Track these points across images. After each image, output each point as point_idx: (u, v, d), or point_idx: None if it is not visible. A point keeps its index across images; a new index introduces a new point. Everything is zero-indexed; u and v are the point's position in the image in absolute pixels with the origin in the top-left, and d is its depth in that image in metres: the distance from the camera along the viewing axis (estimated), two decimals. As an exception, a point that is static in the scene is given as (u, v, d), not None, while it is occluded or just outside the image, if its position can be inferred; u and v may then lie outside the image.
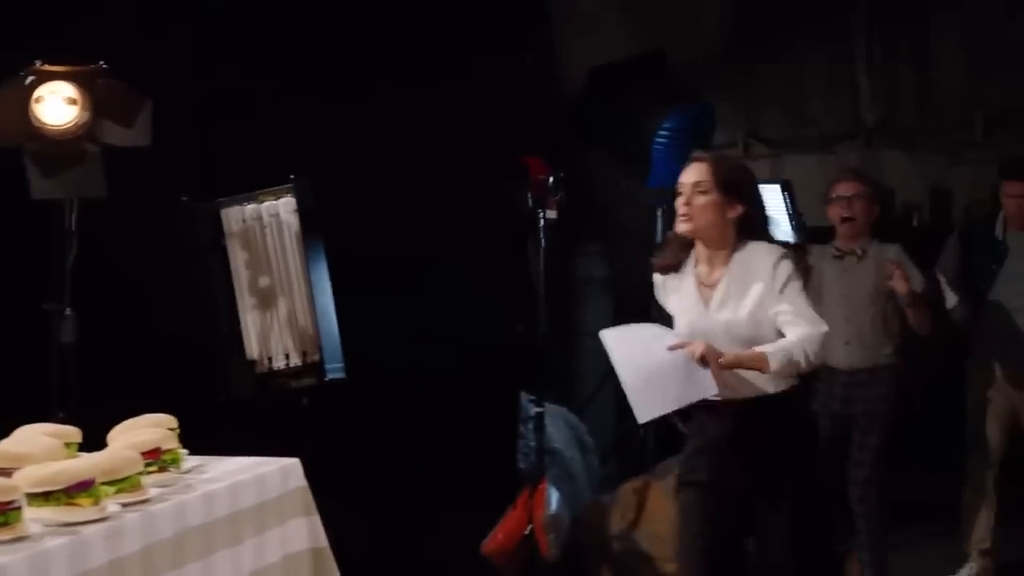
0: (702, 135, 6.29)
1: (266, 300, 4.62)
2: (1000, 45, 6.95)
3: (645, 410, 3.60)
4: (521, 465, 5.87)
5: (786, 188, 5.57)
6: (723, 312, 3.66)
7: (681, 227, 3.73)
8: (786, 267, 3.61)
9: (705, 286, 3.73)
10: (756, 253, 3.67)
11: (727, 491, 3.72)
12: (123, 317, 4.89)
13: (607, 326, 6.68)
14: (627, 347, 3.69)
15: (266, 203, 4.57)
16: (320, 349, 4.58)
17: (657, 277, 3.88)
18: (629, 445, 6.40)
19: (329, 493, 3.63)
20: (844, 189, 5.08)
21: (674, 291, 3.81)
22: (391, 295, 5.43)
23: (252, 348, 4.65)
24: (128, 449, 2.82)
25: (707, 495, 3.74)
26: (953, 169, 7.37)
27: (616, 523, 5.44)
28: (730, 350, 3.58)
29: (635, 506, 5.38)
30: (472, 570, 5.26)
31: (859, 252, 5.07)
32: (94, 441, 2.98)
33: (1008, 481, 5.46)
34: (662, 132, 6.17)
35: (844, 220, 5.06)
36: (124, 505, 2.68)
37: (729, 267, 3.69)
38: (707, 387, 3.53)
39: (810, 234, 5.69)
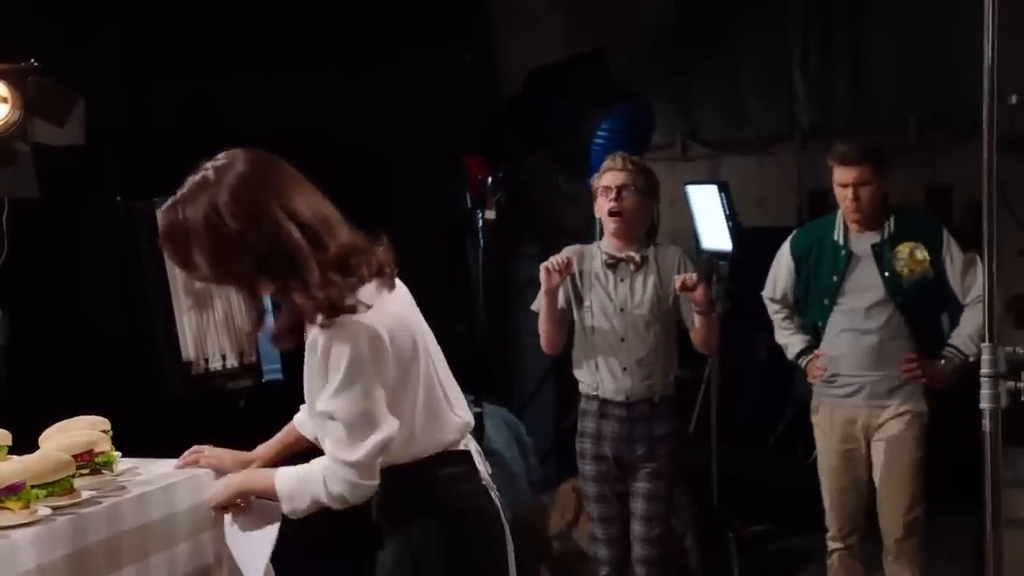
0: (640, 136, 6.33)
1: (202, 301, 4.58)
2: (933, 48, 7.03)
3: None
4: (460, 465, 5.85)
5: (723, 189, 5.61)
6: None
7: None
8: None
9: None
10: None
11: None
12: (56, 318, 4.83)
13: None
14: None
15: (202, 203, 4.51)
16: (257, 350, 4.55)
17: None
18: (568, 445, 6.42)
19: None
20: (611, 179, 4.27)
21: None
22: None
23: (188, 349, 4.60)
24: (60, 451, 2.78)
25: None
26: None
27: (555, 523, 5.45)
28: None
29: (574, 505, 5.40)
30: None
31: (636, 259, 4.27)
32: (25, 444, 2.93)
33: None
34: (600, 132, 6.19)
35: (612, 215, 4.24)
36: (55, 508, 2.65)
37: None
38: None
39: (746, 235, 5.74)
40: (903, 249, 4.43)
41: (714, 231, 5.73)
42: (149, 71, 5.30)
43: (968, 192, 6.75)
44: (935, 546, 5.37)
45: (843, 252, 4.51)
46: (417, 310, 2.83)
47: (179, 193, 2.62)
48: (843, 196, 4.43)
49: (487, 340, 5.83)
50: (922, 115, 7.18)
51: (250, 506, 2.85)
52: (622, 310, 4.26)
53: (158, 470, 3.05)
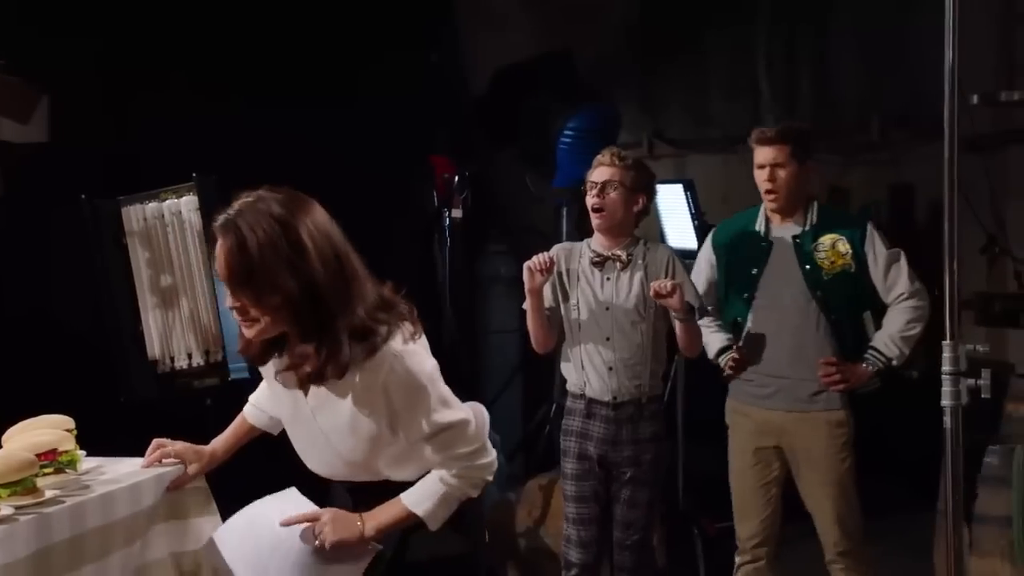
0: (607, 135, 6.33)
1: (168, 299, 4.55)
2: (896, 48, 7.08)
3: None
4: (427, 463, 5.85)
5: (688, 188, 5.62)
6: None
7: None
8: None
9: None
10: None
11: None
12: (20, 316, 4.79)
13: (513, 323, 6.72)
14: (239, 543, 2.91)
15: (168, 201, 4.49)
16: (223, 348, 4.52)
17: None
18: (535, 442, 6.42)
19: (231, 495, 3.59)
20: (598, 175, 4.24)
21: None
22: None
23: (154, 348, 4.57)
24: (23, 451, 2.76)
25: None
26: (850, 169, 7.49)
27: (523, 520, 5.45)
28: None
29: (541, 503, 5.40)
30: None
31: (622, 257, 4.23)
32: (-12, 443, 2.91)
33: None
34: (567, 132, 6.20)
35: (594, 211, 4.22)
36: (18, 508, 2.63)
37: None
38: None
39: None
40: (825, 240, 4.21)
41: (680, 230, 5.75)
42: (119, 70, 5.26)
43: (931, 191, 6.79)
44: (897, 542, 5.41)
45: (763, 243, 4.28)
46: None
47: (236, 208, 2.66)
48: (760, 178, 4.22)
49: (454, 338, 5.82)
50: (885, 115, 7.22)
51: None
52: (608, 309, 4.21)
53: (123, 469, 3.04)
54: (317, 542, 2.76)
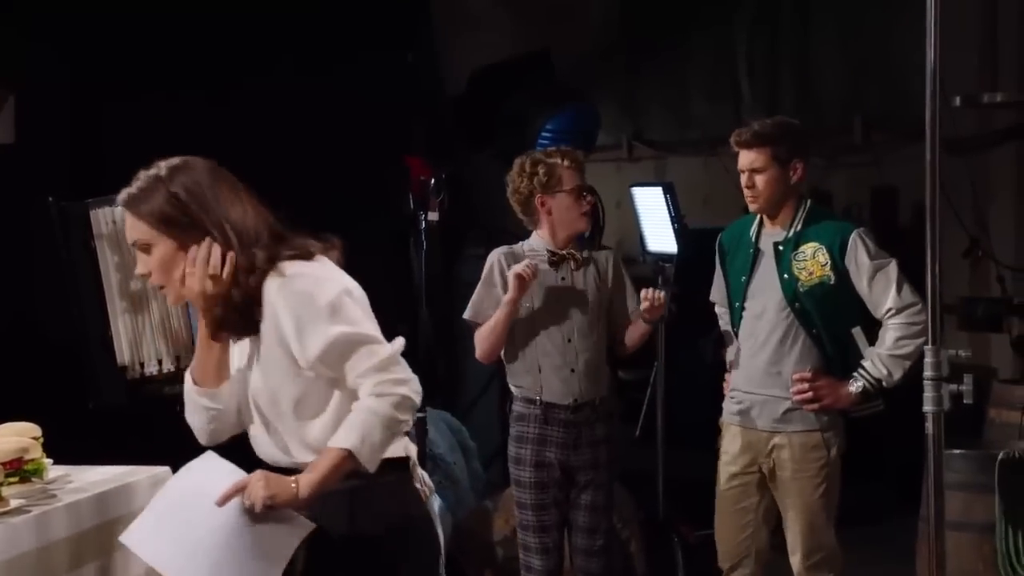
0: (586, 136, 6.34)
1: (138, 304, 4.51)
2: (878, 50, 7.11)
3: None
4: (403, 471, 5.83)
5: (668, 191, 5.61)
6: None
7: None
8: None
9: None
10: None
11: None
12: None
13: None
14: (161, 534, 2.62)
15: (137, 204, 4.47)
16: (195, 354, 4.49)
17: None
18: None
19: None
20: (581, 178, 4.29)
21: None
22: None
23: (123, 353, 4.53)
24: (-12, 459, 2.74)
25: None
26: (832, 172, 7.53)
27: (500, 528, 5.44)
28: None
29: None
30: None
31: (576, 256, 4.25)
32: (-48, 451, 2.88)
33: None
34: (545, 133, 6.20)
35: (584, 215, 4.27)
36: (-17, 518, 2.61)
37: None
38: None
39: (692, 237, 5.75)
40: (807, 249, 4.00)
41: (660, 233, 5.74)
42: (88, 70, 5.24)
43: (913, 194, 6.84)
44: (883, 548, 5.43)
45: (751, 250, 4.12)
46: None
47: (133, 186, 2.70)
48: (742, 183, 4.06)
49: (430, 343, 5.81)
50: (868, 117, 7.26)
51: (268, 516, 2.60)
52: (567, 309, 4.22)
53: (90, 478, 3.02)
54: (247, 502, 2.55)
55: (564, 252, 4.24)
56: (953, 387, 2.78)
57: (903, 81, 6.40)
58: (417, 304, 5.53)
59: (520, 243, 4.33)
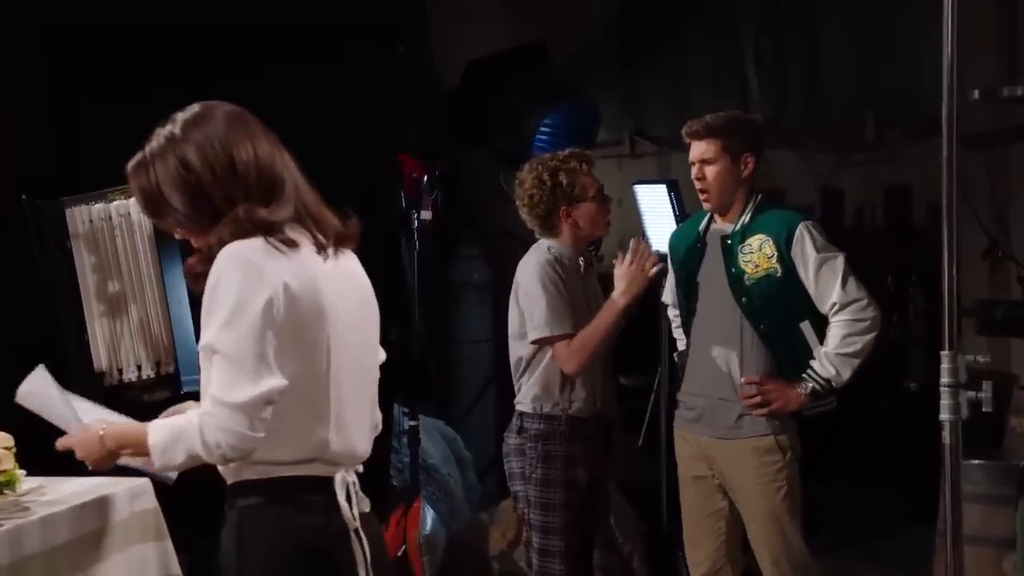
0: (585, 132, 6.33)
1: (116, 307, 4.51)
2: (891, 41, 7.10)
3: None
4: (394, 482, 5.84)
5: (672, 188, 5.61)
6: None
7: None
8: None
9: None
10: None
11: None
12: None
13: (486, 332, 6.71)
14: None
15: (116, 202, 4.45)
16: (175, 360, 4.48)
17: None
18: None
19: (183, 517, 3.56)
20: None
21: None
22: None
23: (100, 359, 4.53)
24: (-42, 470, 2.73)
25: None
26: (843, 170, 7.52)
27: (496, 542, 5.44)
28: None
29: (516, 524, 5.38)
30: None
31: (593, 259, 4.43)
32: (-80, 462, 2.87)
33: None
34: (543, 129, 6.19)
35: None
36: (-48, 532, 2.60)
37: None
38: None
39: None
40: (753, 242, 4.01)
41: (663, 232, 5.73)
42: (64, 64, 5.23)
43: (929, 192, 6.82)
44: (891, 562, 5.43)
45: (699, 244, 4.16)
46: (363, 308, 2.78)
47: (146, 148, 2.67)
48: (692, 175, 4.11)
49: (423, 348, 5.80)
50: (881, 112, 7.25)
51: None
52: (590, 318, 4.21)
53: (66, 490, 3.01)
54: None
55: (587, 255, 4.33)
56: (971, 394, 2.77)
57: (918, 74, 6.39)
58: (409, 307, 5.53)
59: (547, 247, 4.27)
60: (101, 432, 2.65)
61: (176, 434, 2.50)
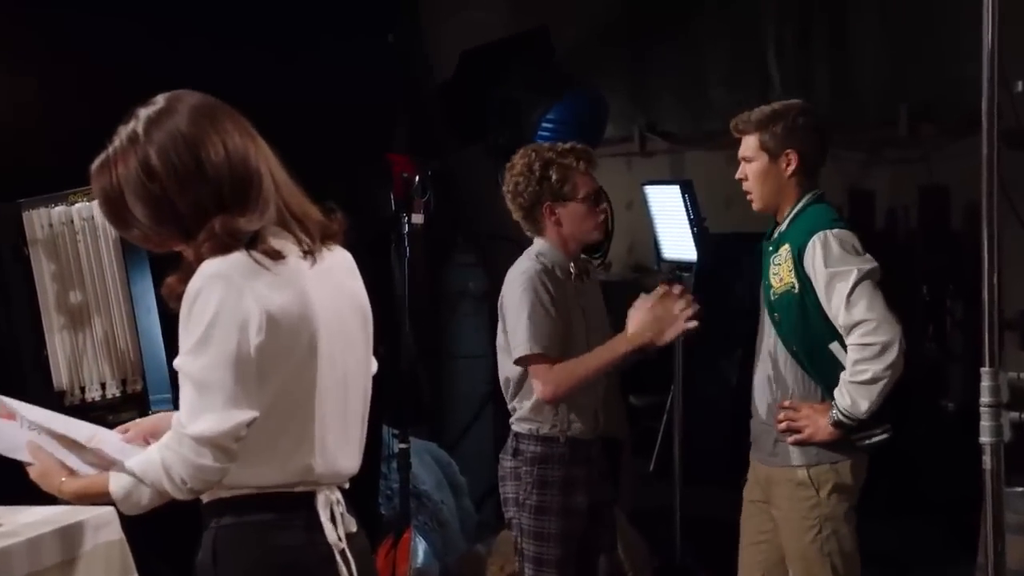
0: (591, 127, 6.34)
1: (78, 319, 4.51)
2: (926, 27, 7.11)
3: None
4: (383, 510, 5.83)
5: (687, 189, 5.61)
6: None
7: None
8: None
9: None
10: None
11: None
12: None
13: (483, 346, 6.70)
14: None
15: (78, 204, 4.46)
16: (143, 377, 4.49)
17: None
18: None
19: (152, 547, 3.55)
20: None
21: None
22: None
23: (61, 376, 4.53)
24: (-97, 498, 2.72)
25: None
26: (873, 169, 7.52)
27: (494, 575, 5.43)
28: None
29: (515, 555, 5.38)
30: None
31: (589, 266, 4.43)
32: None
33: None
34: (545, 124, 6.20)
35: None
36: (-103, 566, 2.59)
37: None
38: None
39: (714, 243, 5.75)
40: (782, 251, 3.96)
41: (677, 238, 5.74)
42: (23, 58, 5.24)
43: (967, 192, 6.83)
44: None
45: (759, 251, 4.17)
46: (354, 316, 2.79)
47: (109, 148, 2.64)
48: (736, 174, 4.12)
49: (414, 363, 5.80)
50: (914, 106, 7.26)
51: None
52: (592, 330, 4.20)
53: (22, 520, 3.00)
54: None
55: (580, 263, 4.26)
56: (1015, 415, 2.77)
57: (955, 64, 6.39)
58: (399, 318, 5.53)
59: (536, 254, 4.23)
60: (61, 481, 2.63)
61: (140, 474, 2.51)
